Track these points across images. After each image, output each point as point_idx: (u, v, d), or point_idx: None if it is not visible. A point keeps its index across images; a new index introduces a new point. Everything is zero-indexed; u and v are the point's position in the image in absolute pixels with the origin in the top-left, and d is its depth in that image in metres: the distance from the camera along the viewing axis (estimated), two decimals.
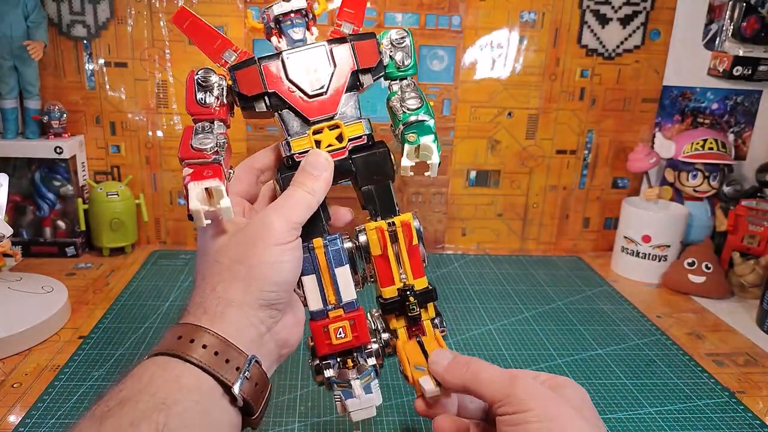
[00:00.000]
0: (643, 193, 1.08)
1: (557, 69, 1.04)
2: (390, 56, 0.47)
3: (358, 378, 0.45)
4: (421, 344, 0.48)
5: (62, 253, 0.99)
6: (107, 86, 0.99)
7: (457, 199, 1.10)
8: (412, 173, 0.46)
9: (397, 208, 0.48)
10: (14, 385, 0.65)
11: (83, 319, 0.80)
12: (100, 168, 1.03)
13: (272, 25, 0.46)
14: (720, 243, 1.03)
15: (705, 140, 1.03)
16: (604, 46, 1.04)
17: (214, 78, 0.44)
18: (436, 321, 0.49)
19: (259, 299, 0.40)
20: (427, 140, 0.46)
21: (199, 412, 0.35)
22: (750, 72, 1.03)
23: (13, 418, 0.60)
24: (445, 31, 1.01)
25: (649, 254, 1.00)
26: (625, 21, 1.03)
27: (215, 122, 0.44)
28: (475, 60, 1.03)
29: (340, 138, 0.46)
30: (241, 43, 0.98)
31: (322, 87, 0.45)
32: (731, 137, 1.09)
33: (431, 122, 0.47)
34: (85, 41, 0.97)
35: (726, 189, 1.07)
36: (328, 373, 0.46)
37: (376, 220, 0.47)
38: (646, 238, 1.00)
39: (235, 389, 0.37)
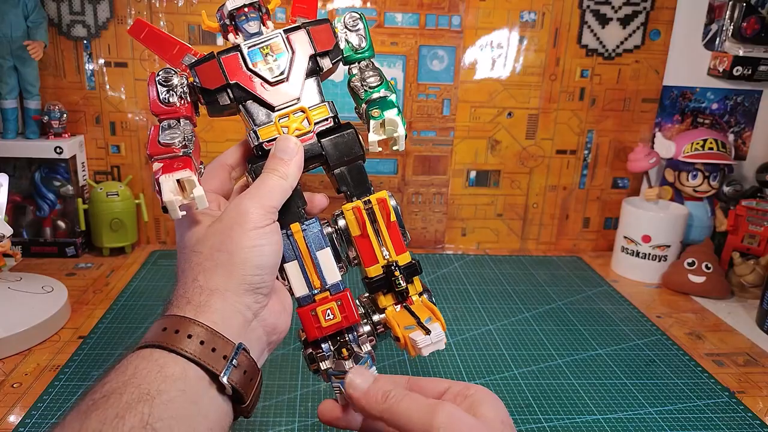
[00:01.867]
0: (643, 193, 1.08)
1: (557, 69, 1.04)
2: (346, 40, 0.48)
3: (354, 367, 0.45)
4: (409, 309, 0.48)
5: (62, 253, 0.99)
6: (107, 86, 0.99)
7: (457, 199, 1.10)
8: (380, 148, 0.47)
9: (371, 187, 0.48)
10: (14, 385, 0.65)
11: (83, 319, 0.80)
12: (100, 168, 1.03)
13: (227, 22, 0.46)
14: (720, 243, 1.03)
15: (705, 140, 1.03)
16: (604, 46, 1.04)
17: (175, 79, 0.45)
18: (424, 295, 0.49)
19: (243, 284, 0.40)
20: (391, 114, 0.46)
21: (186, 401, 0.35)
22: (750, 72, 1.03)
23: (13, 418, 0.60)
24: (445, 31, 1.01)
25: (649, 254, 1.00)
26: (625, 21, 1.03)
27: (181, 120, 0.44)
28: (475, 60, 1.03)
29: (306, 123, 0.46)
30: None
31: (282, 73, 0.46)
32: (731, 137, 1.09)
33: (393, 97, 0.47)
34: (85, 41, 0.97)
35: (726, 189, 1.07)
36: (325, 364, 0.46)
37: (351, 201, 0.47)
38: (646, 238, 1.00)
39: (223, 378, 0.37)
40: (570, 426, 0.62)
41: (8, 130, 0.96)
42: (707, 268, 0.95)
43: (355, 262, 0.48)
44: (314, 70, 0.47)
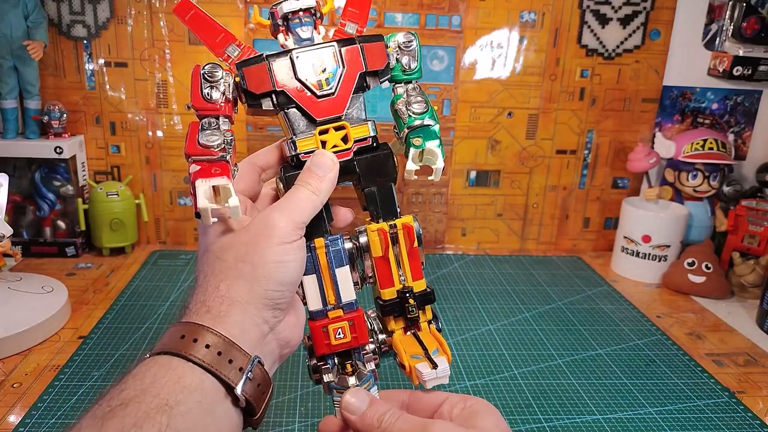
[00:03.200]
0: (643, 193, 1.08)
1: (557, 69, 1.04)
2: (396, 59, 0.47)
3: (357, 384, 0.45)
4: (417, 337, 0.48)
5: (62, 253, 0.99)
6: (107, 86, 0.99)
7: (457, 199, 1.10)
8: (416, 177, 0.46)
9: (398, 210, 0.48)
10: (14, 385, 0.65)
11: (83, 319, 0.80)
12: (100, 168, 1.03)
13: (280, 22, 0.46)
14: (720, 243, 1.03)
15: (705, 140, 1.03)
16: (604, 46, 1.04)
17: (220, 73, 0.44)
18: (433, 323, 0.49)
19: (264, 298, 0.39)
20: (432, 144, 0.46)
21: (203, 412, 0.35)
22: (750, 72, 1.03)
23: (13, 418, 0.60)
24: (445, 31, 1.01)
25: (649, 254, 1.00)
26: (625, 21, 1.03)
27: (220, 118, 0.44)
28: (475, 60, 1.03)
29: (345, 139, 0.46)
30: None
31: (330, 87, 0.45)
32: (731, 137, 1.09)
33: (436, 127, 0.47)
34: (85, 41, 0.97)
35: (726, 189, 1.07)
36: (328, 377, 0.46)
37: (377, 222, 0.47)
38: (646, 238, 1.00)
39: (238, 390, 0.37)
40: (570, 426, 0.62)
41: (8, 130, 0.96)
42: (707, 268, 0.95)
43: (371, 281, 0.48)
44: (361, 87, 0.46)
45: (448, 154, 1.07)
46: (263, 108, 0.45)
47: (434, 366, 0.45)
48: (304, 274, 0.45)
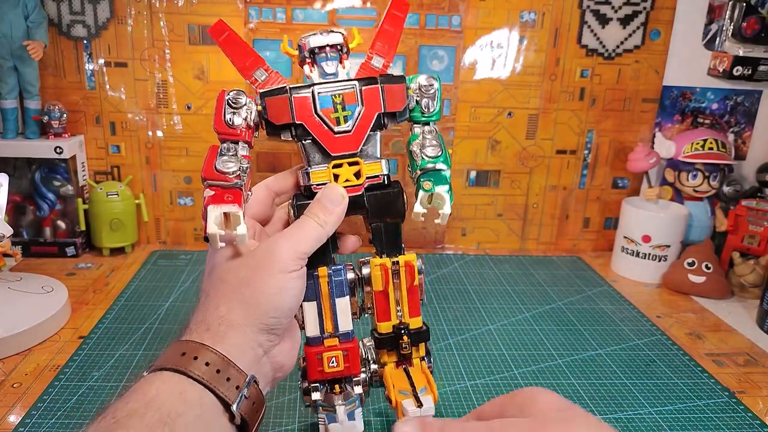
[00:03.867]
0: (643, 193, 1.08)
1: (557, 69, 1.04)
2: (416, 101, 0.49)
3: (343, 404, 0.47)
4: (407, 372, 0.50)
5: (62, 253, 0.99)
6: (107, 86, 0.99)
7: (457, 199, 1.10)
8: (423, 219, 0.47)
9: (402, 247, 0.50)
10: (14, 385, 0.65)
11: (83, 319, 0.80)
12: (100, 168, 1.03)
13: (307, 55, 0.47)
14: (720, 243, 1.03)
15: (705, 140, 1.03)
16: (604, 46, 1.04)
17: (243, 100, 0.45)
18: (425, 360, 0.51)
19: (261, 323, 0.41)
20: (442, 190, 0.47)
21: (202, 425, 0.37)
22: (750, 72, 1.03)
23: (13, 418, 0.60)
24: (445, 31, 1.01)
25: (649, 254, 1.00)
26: (625, 21, 1.03)
27: (239, 143, 0.45)
28: (475, 60, 1.03)
29: (357, 175, 0.47)
30: None
31: (348, 125, 0.46)
32: (731, 137, 1.09)
33: (447, 172, 0.48)
34: (85, 41, 0.97)
35: (726, 189, 1.07)
36: (315, 395, 0.48)
37: (380, 257, 0.49)
38: (646, 238, 1.00)
39: (234, 407, 0.38)
40: None
41: (8, 130, 0.96)
42: (707, 268, 0.95)
43: (369, 312, 0.50)
44: (378, 126, 0.47)
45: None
46: (281, 137, 0.47)
47: (419, 405, 0.46)
48: (305, 301, 0.47)
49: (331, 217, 0.44)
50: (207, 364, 0.38)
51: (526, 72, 1.04)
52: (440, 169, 0.48)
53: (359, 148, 0.47)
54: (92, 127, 1.01)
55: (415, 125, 0.50)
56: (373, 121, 0.47)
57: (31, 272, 0.89)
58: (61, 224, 1.01)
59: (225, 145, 0.45)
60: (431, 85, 0.49)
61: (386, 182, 0.48)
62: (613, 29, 1.03)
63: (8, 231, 0.74)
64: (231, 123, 0.45)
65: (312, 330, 0.47)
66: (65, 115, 0.97)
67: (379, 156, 0.48)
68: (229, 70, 0.99)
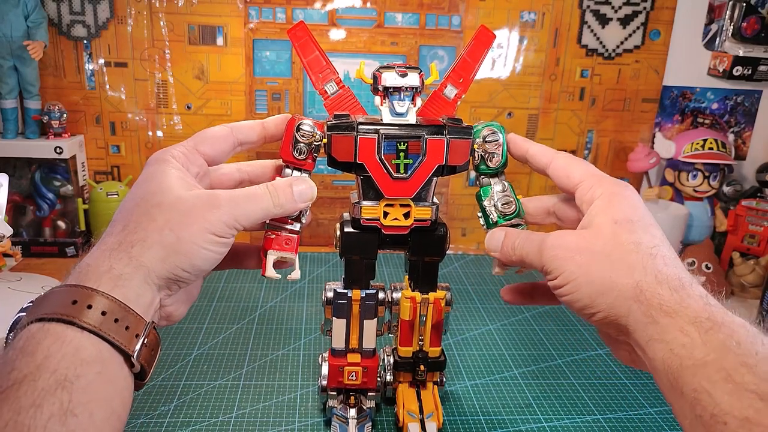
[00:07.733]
0: (643, 193, 1.08)
1: (557, 69, 1.04)
2: (481, 156, 0.49)
3: (355, 418, 0.53)
4: (418, 394, 0.56)
5: (62, 253, 0.99)
6: (107, 86, 0.99)
7: (457, 199, 1.10)
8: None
9: (435, 285, 0.53)
10: None
11: None
12: (100, 168, 1.03)
13: (380, 88, 0.47)
14: (720, 243, 1.03)
15: (705, 140, 1.03)
16: (604, 46, 1.04)
17: (311, 131, 0.46)
18: (437, 387, 0.57)
19: (171, 273, 0.38)
20: None
21: (103, 382, 0.33)
22: (750, 72, 1.03)
23: None
24: (445, 31, 1.01)
25: None
26: (625, 21, 1.03)
27: (301, 172, 0.47)
28: None
29: (407, 215, 0.49)
30: (241, 42, 0.98)
31: (407, 173, 0.47)
32: (731, 137, 1.09)
33: (524, 224, 0.50)
34: (85, 41, 0.97)
35: (726, 189, 1.07)
36: (332, 402, 0.54)
37: (413, 290, 0.53)
38: None
39: (134, 357, 0.35)
40: (570, 426, 0.62)
41: (8, 130, 0.96)
42: (707, 268, 0.95)
43: (394, 331, 0.56)
44: (436, 174, 0.48)
45: None
46: (341, 170, 0.48)
47: (423, 430, 0.53)
48: (337, 317, 0.52)
49: (289, 207, 0.43)
50: (103, 313, 0.34)
51: (526, 72, 1.04)
52: (516, 224, 0.49)
53: (413, 195, 0.48)
54: (92, 127, 1.01)
55: (482, 177, 0.50)
56: (432, 171, 0.48)
57: (31, 272, 0.89)
58: (61, 224, 1.01)
59: (288, 170, 0.47)
60: (496, 140, 0.49)
61: (433, 226, 0.50)
62: (613, 29, 1.03)
63: (8, 231, 0.74)
64: (299, 154, 0.46)
65: (338, 343, 0.52)
66: (65, 115, 0.97)
67: (430, 202, 0.49)
68: (230, 70, 0.99)
